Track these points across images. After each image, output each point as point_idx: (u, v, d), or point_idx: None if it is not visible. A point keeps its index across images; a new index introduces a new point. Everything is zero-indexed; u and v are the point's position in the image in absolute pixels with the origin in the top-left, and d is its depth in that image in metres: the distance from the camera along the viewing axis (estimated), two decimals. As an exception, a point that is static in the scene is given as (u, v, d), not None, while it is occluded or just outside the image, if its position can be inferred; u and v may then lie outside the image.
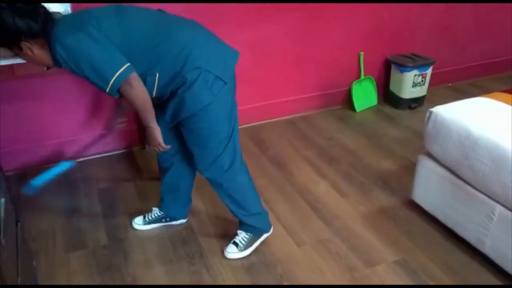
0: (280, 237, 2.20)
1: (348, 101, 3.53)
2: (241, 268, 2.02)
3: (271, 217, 2.24)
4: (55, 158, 2.78)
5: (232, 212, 2.06)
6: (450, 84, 3.87)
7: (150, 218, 2.26)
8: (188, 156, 2.01)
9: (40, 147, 2.75)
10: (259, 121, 3.31)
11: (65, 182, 2.63)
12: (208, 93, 1.73)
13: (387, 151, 2.94)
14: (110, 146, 2.93)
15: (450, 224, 2.13)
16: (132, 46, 1.65)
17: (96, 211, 2.40)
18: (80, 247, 2.15)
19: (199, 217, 2.34)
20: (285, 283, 1.94)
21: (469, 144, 1.89)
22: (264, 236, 2.14)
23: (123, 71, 1.61)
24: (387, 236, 2.20)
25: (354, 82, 3.45)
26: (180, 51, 1.70)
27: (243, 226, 2.10)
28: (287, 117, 3.39)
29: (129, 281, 1.96)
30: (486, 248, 1.95)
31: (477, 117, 1.96)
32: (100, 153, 2.90)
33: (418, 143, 2.26)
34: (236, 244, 2.08)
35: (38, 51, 1.64)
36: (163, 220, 2.25)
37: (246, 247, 2.08)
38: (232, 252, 2.07)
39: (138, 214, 2.31)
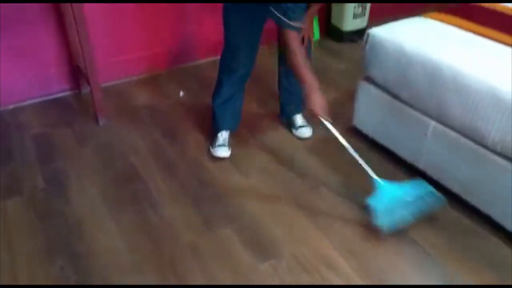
0: (228, 170, 2.21)
1: (290, 37, 3.47)
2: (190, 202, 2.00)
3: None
4: None
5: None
6: (390, 17, 3.88)
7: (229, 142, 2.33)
8: None
9: None
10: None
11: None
12: None
13: (329, 84, 2.93)
14: (39, 92, 2.72)
15: (389, 145, 2.20)
16: None
17: (31, 157, 2.28)
18: (15, 193, 2.04)
19: (140, 157, 2.29)
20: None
21: (404, 61, 1.92)
22: None
23: None
24: (329, 161, 2.25)
25: (296, 16, 3.39)
26: None
27: (297, 110, 2.43)
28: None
29: (73, 223, 1.89)
30: (422, 164, 2.04)
31: (413, 35, 1.98)
32: (28, 99, 2.70)
33: (361, 75, 2.31)
34: (304, 126, 2.42)
35: None
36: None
37: (309, 122, 2.43)
38: (308, 132, 2.41)
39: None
